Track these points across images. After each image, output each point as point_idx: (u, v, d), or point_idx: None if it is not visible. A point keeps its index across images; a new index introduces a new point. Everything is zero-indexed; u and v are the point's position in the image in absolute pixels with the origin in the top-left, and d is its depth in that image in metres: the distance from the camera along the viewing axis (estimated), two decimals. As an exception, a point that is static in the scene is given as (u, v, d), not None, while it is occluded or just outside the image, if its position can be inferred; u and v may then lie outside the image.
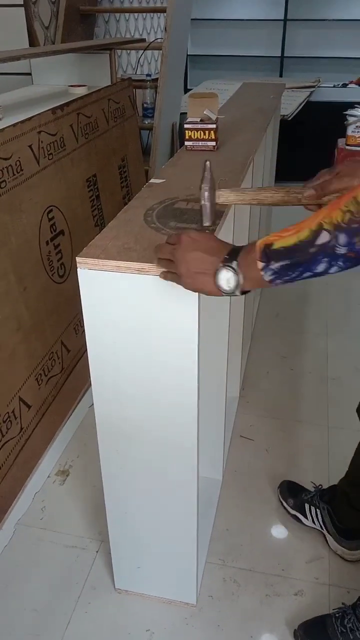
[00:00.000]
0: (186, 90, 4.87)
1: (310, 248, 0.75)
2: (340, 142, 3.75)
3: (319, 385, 2.19)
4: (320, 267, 0.76)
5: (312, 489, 1.62)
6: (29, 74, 2.71)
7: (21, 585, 1.45)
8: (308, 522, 1.58)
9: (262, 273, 0.79)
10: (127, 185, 2.51)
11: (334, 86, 4.77)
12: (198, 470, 1.15)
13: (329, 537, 1.54)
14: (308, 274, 0.77)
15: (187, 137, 1.56)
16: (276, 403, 2.10)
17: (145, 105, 3.29)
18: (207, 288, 0.85)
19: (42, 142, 1.75)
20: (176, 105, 3.18)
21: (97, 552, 1.53)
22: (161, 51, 2.69)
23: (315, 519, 1.56)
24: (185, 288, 0.88)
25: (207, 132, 1.53)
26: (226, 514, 1.64)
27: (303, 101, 3.97)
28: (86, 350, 1.08)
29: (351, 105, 3.61)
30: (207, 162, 0.96)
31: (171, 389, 1.05)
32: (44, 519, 1.63)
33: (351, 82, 4.86)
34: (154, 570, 1.36)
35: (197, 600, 1.39)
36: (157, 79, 2.91)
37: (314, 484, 1.64)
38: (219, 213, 1.04)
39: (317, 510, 1.56)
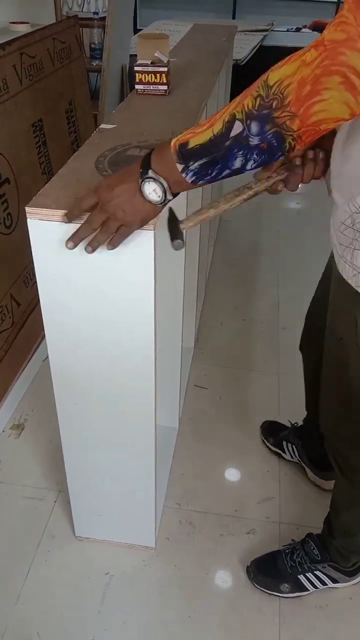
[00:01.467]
0: (136, 30, 4.66)
1: (225, 141, 0.72)
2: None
3: (271, 334, 2.24)
4: (237, 163, 0.74)
5: (289, 427, 1.71)
6: (-35, 7, 2.51)
7: (-20, 538, 1.46)
8: (287, 457, 1.69)
9: (183, 175, 0.77)
10: (76, 130, 2.41)
11: (287, 30, 4.67)
12: (156, 419, 1.17)
13: (307, 469, 1.64)
14: (227, 171, 0.76)
15: (137, 80, 1.50)
16: (229, 353, 2.14)
17: (92, 45, 3.13)
18: (148, 214, 0.84)
19: (-17, 83, 1.65)
20: (125, 46, 3.04)
21: (55, 502, 1.55)
22: (108, -14, 2.54)
23: (292, 454, 1.67)
24: (134, 229, 0.87)
25: (158, 75, 1.47)
26: (182, 459, 1.69)
27: (256, 45, 3.87)
28: (37, 303, 1.05)
29: (304, 50, 3.55)
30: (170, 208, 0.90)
31: (128, 340, 1.05)
32: (1, 472, 1.63)
33: (305, 27, 4.76)
34: (113, 517, 1.39)
35: (156, 543, 1.44)
36: (105, 17, 2.77)
37: (290, 422, 1.72)
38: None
39: (293, 446, 1.66)
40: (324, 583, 1.34)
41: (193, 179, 0.77)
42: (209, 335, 2.22)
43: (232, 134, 0.71)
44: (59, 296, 1.02)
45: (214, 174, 0.76)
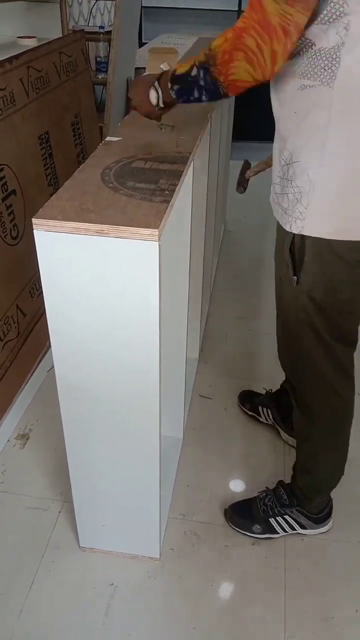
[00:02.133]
0: (141, 43, 4.71)
1: (189, 78, 1.04)
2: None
3: (275, 345, 2.23)
4: (196, 94, 1.05)
5: (263, 393, 1.88)
6: (-26, 22, 2.56)
7: (-16, 548, 1.46)
8: (262, 420, 1.85)
9: (170, 92, 1.10)
10: (81, 142, 2.44)
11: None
12: (160, 430, 1.17)
13: (280, 430, 1.80)
14: (192, 97, 1.06)
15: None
16: (234, 363, 2.14)
17: (98, 59, 3.16)
18: (150, 111, 1.19)
19: (-10, 96, 1.68)
20: (131, 59, 3.08)
21: (59, 512, 1.55)
22: (114, 2, 2.58)
23: (267, 417, 1.83)
24: (140, 112, 1.21)
25: None
26: (186, 470, 1.69)
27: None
28: (43, 313, 1.06)
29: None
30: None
31: (133, 350, 1.05)
32: (5, 483, 1.63)
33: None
34: (118, 528, 1.39)
35: (161, 554, 1.44)
36: (110, 31, 2.80)
37: (265, 388, 1.88)
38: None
39: (268, 409, 1.82)
40: (292, 528, 1.48)
41: (175, 96, 1.10)
42: (214, 346, 2.23)
43: (192, 74, 1.03)
44: (65, 306, 1.02)
45: (185, 97, 1.08)
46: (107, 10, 4.30)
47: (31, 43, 2.30)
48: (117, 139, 1.29)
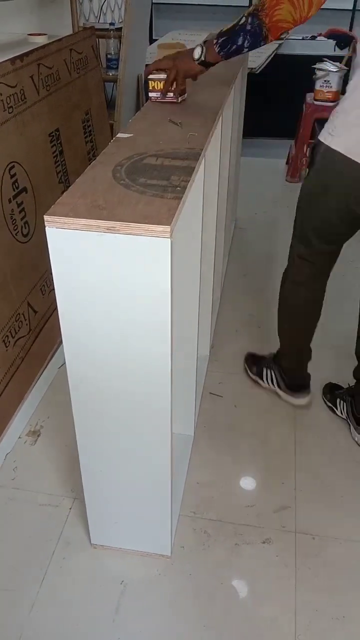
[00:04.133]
0: (152, 40, 4.70)
1: (236, 27, 1.33)
2: (309, 96, 3.70)
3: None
4: (240, 40, 1.33)
5: (267, 356, 2.03)
6: (-15, 20, 2.56)
7: (-4, 544, 1.47)
8: (264, 385, 2.00)
9: (214, 47, 1.36)
10: (92, 140, 2.44)
11: (302, 38, 4.67)
12: (171, 427, 1.17)
13: (280, 392, 1.94)
14: (235, 45, 1.34)
15: (150, 88, 1.52)
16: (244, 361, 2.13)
17: (109, 56, 3.16)
18: (188, 63, 1.43)
19: (1, 94, 1.68)
20: (141, 56, 3.07)
21: (70, 509, 1.55)
22: (125, -2, 2.57)
23: (270, 382, 1.97)
24: (179, 68, 1.45)
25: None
26: (197, 468, 1.68)
27: (271, 54, 3.88)
28: (54, 310, 1.06)
29: (319, 58, 3.55)
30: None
31: (144, 347, 1.05)
32: (16, 479, 1.64)
33: (320, 35, 4.76)
34: (129, 525, 1.39)
35: (171, 552, 1.44)
36: (121, 28, 2.80)
37: (270, 353, 2.01)
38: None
39: (272, 372, 1.97)
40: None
41: (218, 49, 1.36)
42: (225, 343, 2.22)
43: (241, 22, 1.32)
44: (77, 303, 1.02)
45: (228, 46, 1.35)
46: (117, 7, 4.30)
47: (42, 40, 2.30)
48: (128, 135, 1.28)
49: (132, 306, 1.00)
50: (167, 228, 0.89)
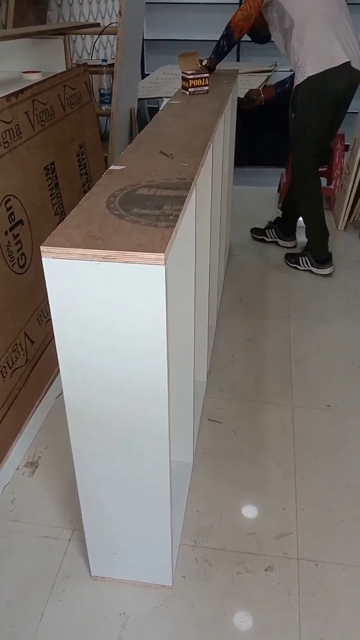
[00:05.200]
0: (143, 75, 4.82)
1: (220, 37, 2.46)
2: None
3: (283, 367, 2.24)
4: (221, 43, 2.44)
5: (266, 223, 3.27)
6: (-20, 59, 2.63)
7: (-6, 578, 1.44)
8: (269, 239, 3.22)
9: (211, 55, 2.51)
10: (87, 172, 2.49)
11: (290, 70, 4.78)
12: (170, 454, 1.17)
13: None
14: (219, 48, 2.48)
15: (190, 85, 2.16)
16: (242, 385, 2.14)
17: (102, 91, 3.24)
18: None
19: (-3, 129, 1.72)
20: (134, 90, 3.15)
21: (69, 540, 1.54)
22: (116, 36, 2.65)
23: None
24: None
25: (203, 79, 2.17)
26: (197, 495, 1.67)
27: (261, 85, 3.98)
28: (51, 340, 1.07)
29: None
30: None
31: (141, 374, 1.06)
32: (14, 511, 1.62)
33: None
34: (129, 555, 1.38)
35: (173, 582, 1.42)
36: (113, 64, 2.87)
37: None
38: None
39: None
40: (307, 263, 2.92)
41: (212, 55, 2.51)
42: (222, 368, 2.23)
43: (222, 34, 2.46)
44: (74, 332, 1.04)
45: (216, 51, 2.50)
46: (110, 44, 4.42)
47: (36, 77, 2.36)
48: (120, 167, 1.32)
49: (129, 333, 1.01)
50: (161, 255, 0.91)
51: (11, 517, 1.60)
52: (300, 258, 2.93)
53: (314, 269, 2.89)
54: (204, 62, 2.40)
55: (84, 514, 1.31)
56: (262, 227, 3.28)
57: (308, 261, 2.90)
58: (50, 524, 1.59)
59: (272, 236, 3.20)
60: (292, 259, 2.98)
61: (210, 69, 2.41)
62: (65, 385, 1.11)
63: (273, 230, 3.19)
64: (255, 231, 3.27)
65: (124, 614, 1.36)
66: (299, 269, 2.93)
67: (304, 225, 2.88)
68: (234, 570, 1.47)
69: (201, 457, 1.81)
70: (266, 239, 3.21)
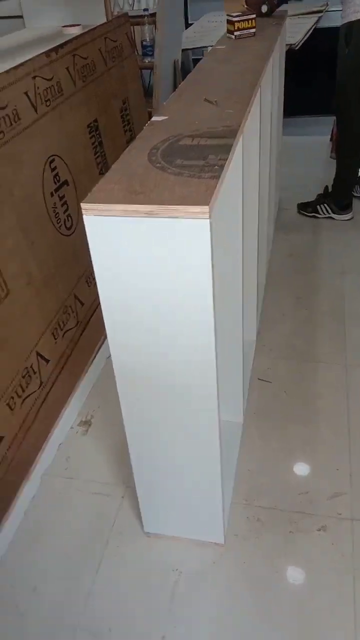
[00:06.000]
0: (187, 25, 4.63)
1: None
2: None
3: (336, 325, 2.16)
4: None
5: (316, 196, 2.91)
6: (20, 16, 2.58)
7: (51, 533, 1.49)
8: (321, 216, 2.87)
9: None
10: (131, 129, 2.43)
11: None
12: (219, 414, 1.15)
13: (334, 215, 2.81)
14: None
15: (236, 28, 1.96)
16: (293, 345, 2.08)
17: (144, 43, 3.13)
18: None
19: (38, 88, 1.68)
20: (177, 41, 3.03)
21: (122, 497, 1.56)
22: (158, -18, 2.53)
23: (325, 212, 2.83)
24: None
25: (249, 21, 1.97)
26: (248, 455, 1.66)
27: (310, 28, 3.74)
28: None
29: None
30: None
31: (188, 333, 1.03)
32: (69, 469, 1.66)
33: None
34: (181, 513, 1.38)
35: (225, 540, 1.42)
36: (155, 13, 2.76)
37: (317, 194, 2.90)
38: None
39: (324, 205, 2.82)
40: (326, 211, 2.81)
41: None
42: (272, 328, 2.17)
43: None
44: (117, 291, 1.01)
45: None
46: (151, -7, 4.25)
47: (76, 31, 2.30)
48: (163, 118, 1.26)
49: (174, 291, 0.98)
50: (206, 208, 0.86)
51: (66, 474, 1.64)
52: (318, 206, 2.82)
53: (335, 215, 2.80)
54: (264, 9, 2.26)
55: (135, 472, 1.32)
56: (312, 198, 3.00)
57: (328, 208, 2.80)
58: (104, 481, 1.61)
59: (325, 212, 2.88)
60: (308, 207, 2.87)
61: (269, 11, 2.29)
62: (112, 345, 1.10)
63: (325, 205, 2.88)
64: (304, 207, 2.94)
65: (177, 570, 1.38)
66: (317, 217, 2.84)
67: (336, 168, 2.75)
68: (286, 529, 1.45)
69: (252, 417, 1.79)
70: (318, 215, 2.90)
